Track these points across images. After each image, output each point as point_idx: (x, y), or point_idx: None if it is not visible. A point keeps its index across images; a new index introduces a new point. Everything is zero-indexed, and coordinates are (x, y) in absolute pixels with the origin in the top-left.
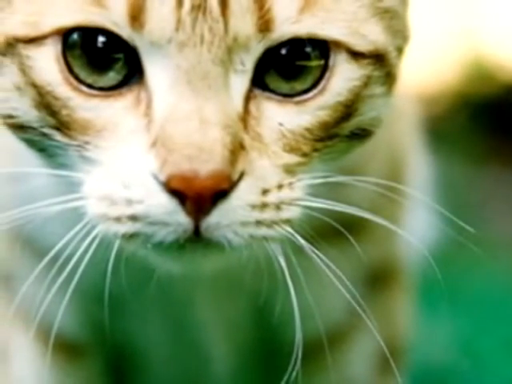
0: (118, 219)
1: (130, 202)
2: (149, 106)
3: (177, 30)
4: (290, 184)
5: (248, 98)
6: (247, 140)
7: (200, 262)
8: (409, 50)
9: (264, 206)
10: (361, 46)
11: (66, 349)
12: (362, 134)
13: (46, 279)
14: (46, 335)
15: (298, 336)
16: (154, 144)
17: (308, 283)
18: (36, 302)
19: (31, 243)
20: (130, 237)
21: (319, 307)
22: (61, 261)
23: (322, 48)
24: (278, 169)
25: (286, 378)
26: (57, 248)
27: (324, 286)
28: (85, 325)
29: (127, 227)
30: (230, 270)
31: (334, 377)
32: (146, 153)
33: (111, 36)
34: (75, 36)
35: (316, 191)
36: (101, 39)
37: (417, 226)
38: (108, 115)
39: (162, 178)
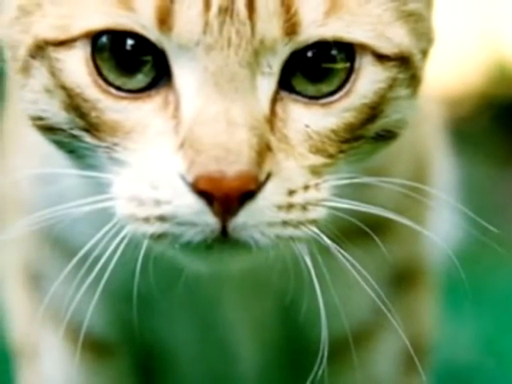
0: (146, 220)
1: (158, 203)
2: (177, 107)
3: (204, 32)
4: (316, 185)
5: (275, 100)
6: (274, 141)
7: (227, 262)
8: (433, 52)
9: (290, 206)
10: (386, 48)
11: (95, 348)
12: (387, 136)
13: (76, 279)
14: (75, 334)
15: (324, 335)
16: (181, 145)
17: (334, 282)
18: (65, 301)
19: (61, 243)
20: (159, 237)
21: (345, 306)
22: (90, 261)
23: (348, 51)
24: (304, 170)
25: (311, 376)
26: (86, 248)
27: (349, 286)
28: (114, 324)
29: (155, 227)
30: (256, 270)
31: (360, 375)
32: (173, 154)
33: (140, 39)
34: (104, 39)
35: (341, 192)
36: (129, 42)
37: (441, 227)
38: (137, 117)
39: (190, 178)
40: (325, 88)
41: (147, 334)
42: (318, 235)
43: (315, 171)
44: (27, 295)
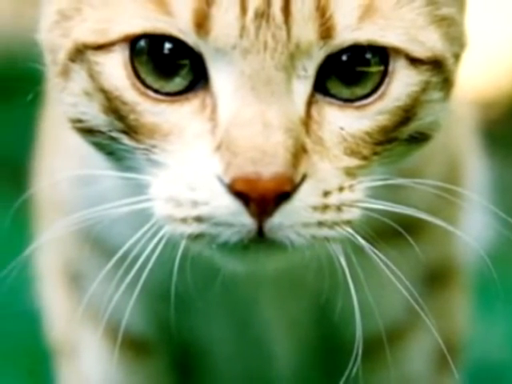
0: (183, 220)
1: (195, 204)
2: (214, 110)
3: (241, 36)
4: (351, 186)
5: (310, 103)
6: (309, 144)
7: (263, 262)
8: (465, 55)
9: (325, 207)
10: (419, 52)
11: (133, 347)
12: (420, 138)
13: (114, 278)
14: (113, 333)
15: (359, 333)
16: (218, 147)
17: (368, 282)
18: (104, 301)
19: (100, 243)
20: (196, 237)
21: (379, 306)
22: (128, 260)
23: (382, 54)
24: (339, 171)
25: (346, 374)
26: (125, 248)
27: (383, 285)
28: (151, 323)
29: (193, 228)
30: (292, 270)
31: (393, 374)
32: (210, 156)
33: (177, 43)
34: (142, 43)
35: (375, 193)
36: (167, 46)
37: (473, 227)
38: (174, 119)
39: (227, 180)
40: (359, 91)
41: (184, 332)
42: (352, 235)
43: (350, 173)
44: (66, 295)
